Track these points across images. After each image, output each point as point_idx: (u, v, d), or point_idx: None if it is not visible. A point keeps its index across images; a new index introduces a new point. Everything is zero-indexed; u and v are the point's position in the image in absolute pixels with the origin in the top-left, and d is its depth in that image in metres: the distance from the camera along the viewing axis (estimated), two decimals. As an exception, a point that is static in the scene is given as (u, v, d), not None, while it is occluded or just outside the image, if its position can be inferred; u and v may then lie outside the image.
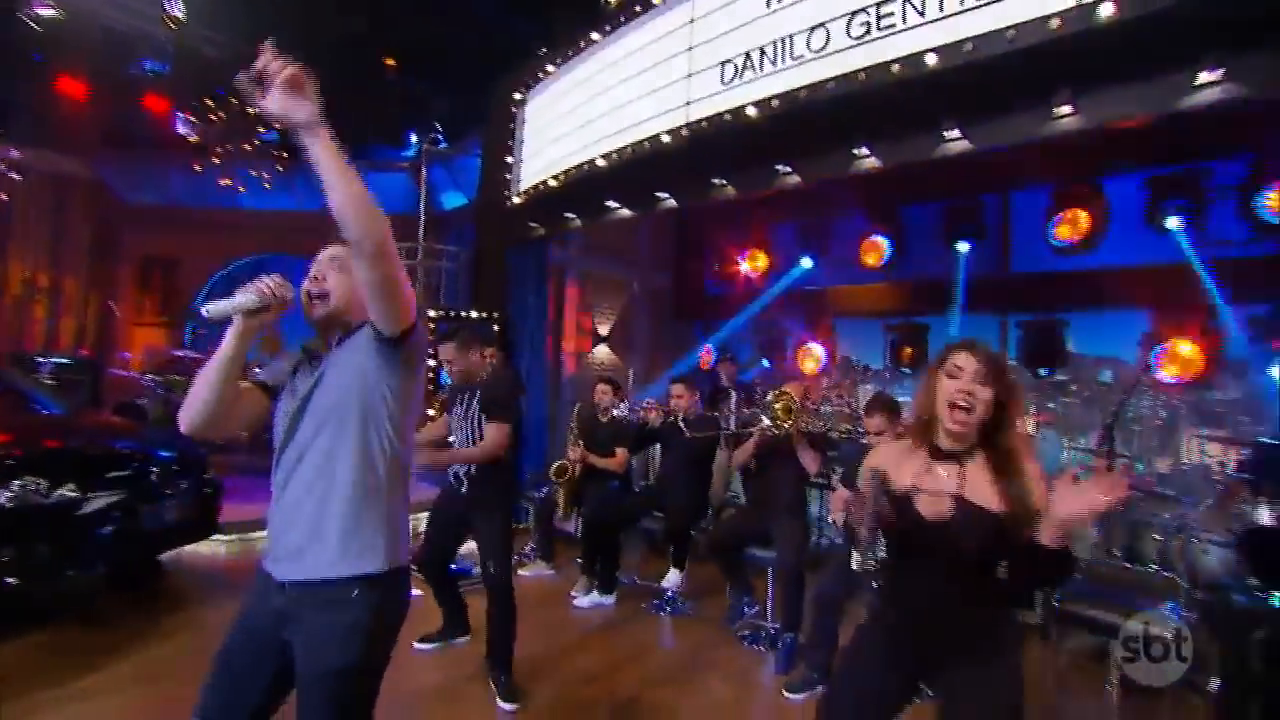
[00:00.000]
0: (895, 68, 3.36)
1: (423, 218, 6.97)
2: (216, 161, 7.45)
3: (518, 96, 6.16)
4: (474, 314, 6.14)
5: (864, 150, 3.90)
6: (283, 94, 1.21)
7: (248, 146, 7.33)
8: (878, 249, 6.40)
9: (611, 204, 5.34)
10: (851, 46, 3.58)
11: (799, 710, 2.99)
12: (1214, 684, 2.87)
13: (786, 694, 3.07)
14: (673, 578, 4.16)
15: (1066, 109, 3.22)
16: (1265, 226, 4.31)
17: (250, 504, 4.74)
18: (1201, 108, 2.91)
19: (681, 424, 4.15)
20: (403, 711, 2.81)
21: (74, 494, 3.45)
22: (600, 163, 4.98)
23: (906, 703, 1.74)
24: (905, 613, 1.72)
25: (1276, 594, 2.58)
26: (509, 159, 6.18)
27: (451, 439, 3.28)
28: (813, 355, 6.89)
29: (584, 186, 5.27)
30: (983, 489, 1.61)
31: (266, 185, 7.83)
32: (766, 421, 3.44)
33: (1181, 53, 2.89)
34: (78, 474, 3.50)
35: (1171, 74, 2.96)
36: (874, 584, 2.83)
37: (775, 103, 3.86)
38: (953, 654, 1.64)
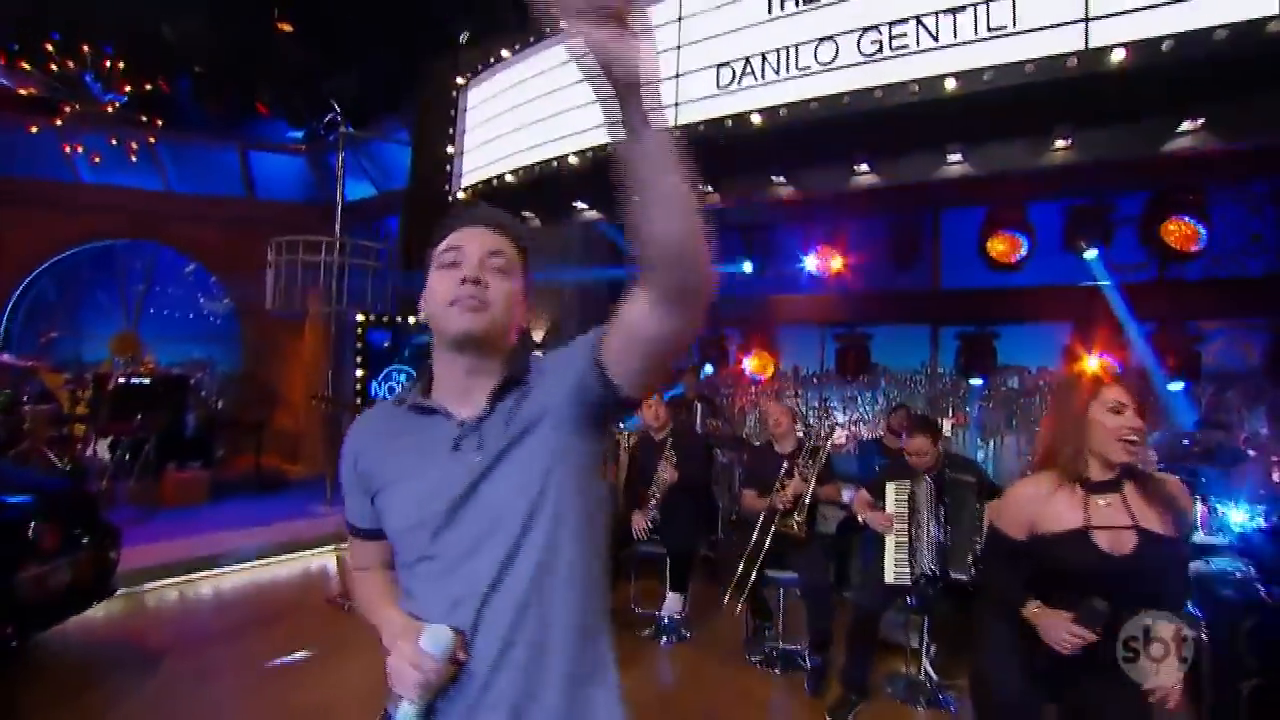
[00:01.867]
0: (914, 88, 3.42)
1: (340, 209, 6.13)
2: (59, 123, 6.01)
3: (460, 81, 5.62)
4: (411, 320, 5.50)
5: (864, 167, 3.95)
6: (605, 27, 0.71)
7: (109, 109, 6.00)
8: (823, 259, 6.59)
9: (579, 205, 5.01)
10: (863, 63, 3.60)
11: (849, 737, 2.93)
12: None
13: (831, 720, 3.00)
14: (673, 603, 3.95)
15: (1063, 143, 3.46)
16: (1161, 252, 4.95)
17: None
18: (1185, 151, 3.24)
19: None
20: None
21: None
22: (572, 160, 4.64)
23: None
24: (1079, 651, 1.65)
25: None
26: (449, 149, 5.61)
27: None
28: (757, 360, 6.97)
29: (548, 185, 4.89)
30: (1149, 516, 1.61)
31: (133, 159, 6.49)
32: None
33: (1168, 102, 3.20)
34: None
35: (1159, 119, 3.27)
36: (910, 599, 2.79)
37: (782, 112, 3.79)
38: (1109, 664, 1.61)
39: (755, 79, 3.95)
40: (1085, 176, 5.08)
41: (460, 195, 5.50)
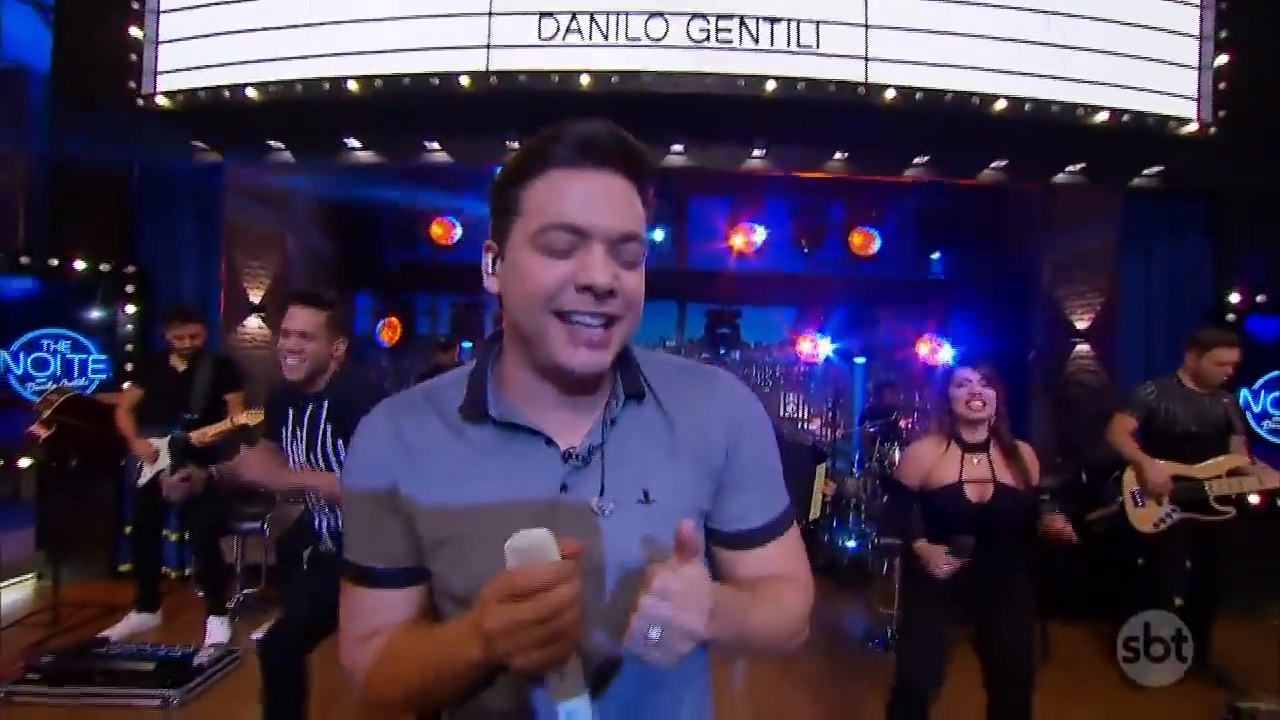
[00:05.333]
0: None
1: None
2: None
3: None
4: (78, 264, 3.87)
5: (679, 147, 4.11)
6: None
7: None
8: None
9: (353, 143, 4.13)
10: (691, 47, 3.74)
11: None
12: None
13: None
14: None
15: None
16: (853, 256, 6.32)
17: None
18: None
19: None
20: None
21: None
22: (351, 85, 3.80)
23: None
24: (956, 575, 2.08)
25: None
26: (134, 32, 4.04)
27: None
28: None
29: (310, 109, 3.93)
30: (1005, 472, 2.12)
31: None
32: None
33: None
34: None
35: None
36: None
37: (614, 78, 3.71)
38: (991, 597, 2.12)
39: (581, 37, 3.78)
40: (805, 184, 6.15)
41: (161, 101, 4.03)
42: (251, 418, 3.25)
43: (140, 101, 4.04)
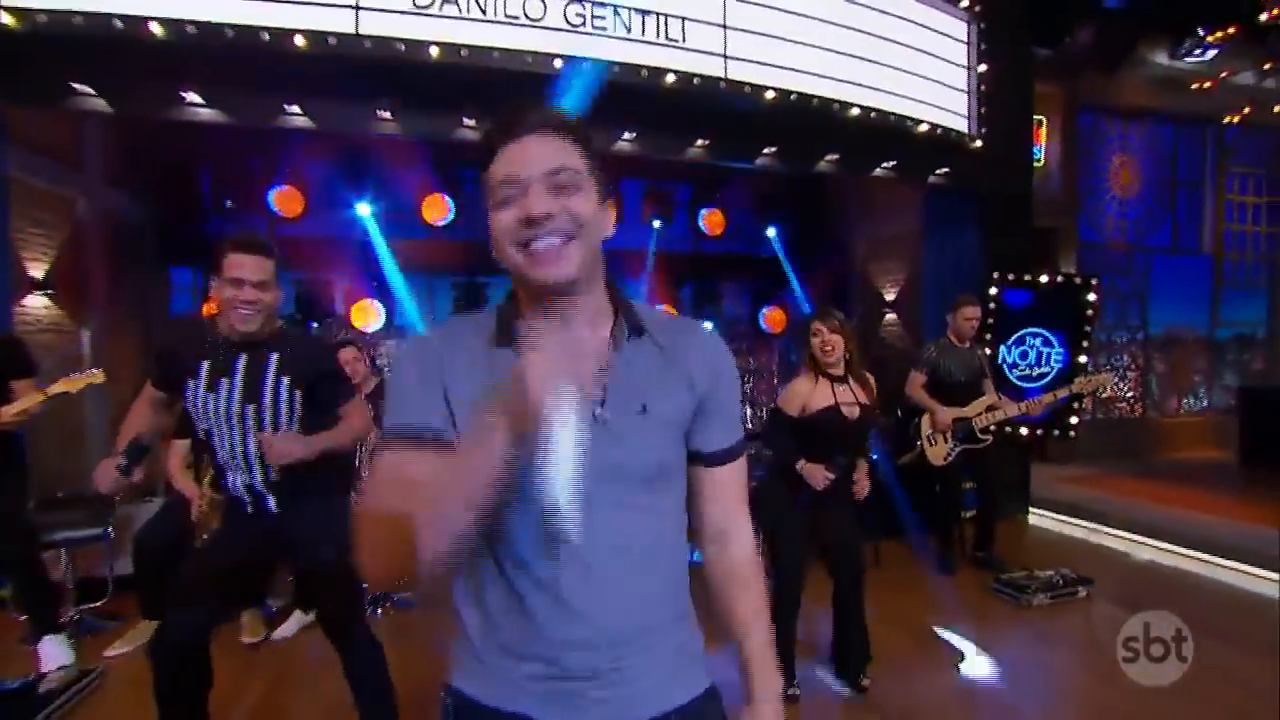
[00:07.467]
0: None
1: None
2: None
3: None
4: None
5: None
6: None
7: None
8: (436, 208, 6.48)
9: (192, 96, 3.66)
10: (568, 31, 3.86)
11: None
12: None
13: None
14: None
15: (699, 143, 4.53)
16: (701, 234, 6.88)
17: None
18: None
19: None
20: None
21: None
22: (190, 29, 3.39)
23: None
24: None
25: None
26: None
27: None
28: (370, 311, 6.42)
29: (136, 52, 3.43)
30: (861, 396, 2.71)
31: None
32: None
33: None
34: None
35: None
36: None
37: (495, 55, 3.72)
38: (838, 492, 2.71)
39: (457, 8, 3.72)
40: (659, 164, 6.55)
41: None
42: (69, 384, 2.83)
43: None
